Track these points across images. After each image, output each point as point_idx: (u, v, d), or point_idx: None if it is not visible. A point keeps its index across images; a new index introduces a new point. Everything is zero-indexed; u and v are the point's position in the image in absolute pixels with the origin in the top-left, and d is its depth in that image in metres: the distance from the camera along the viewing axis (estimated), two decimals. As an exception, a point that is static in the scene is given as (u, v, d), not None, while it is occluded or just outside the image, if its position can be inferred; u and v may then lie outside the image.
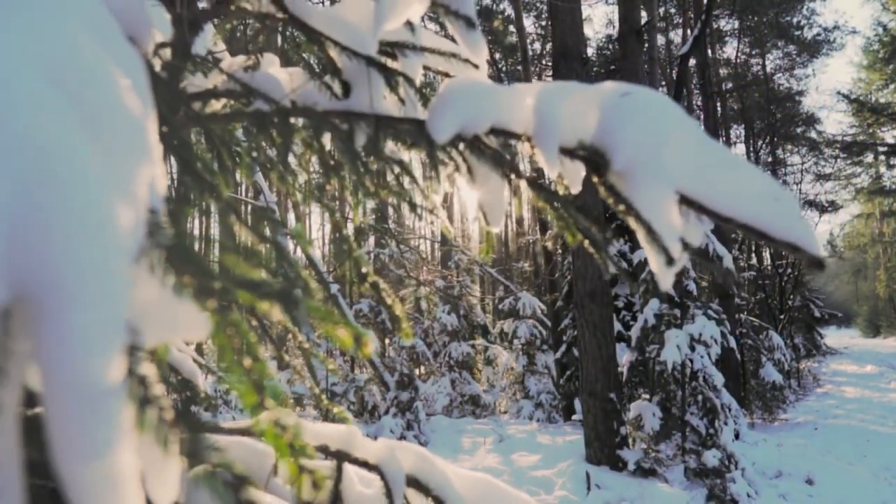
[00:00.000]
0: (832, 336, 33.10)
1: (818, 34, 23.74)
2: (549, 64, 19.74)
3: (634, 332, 8.02)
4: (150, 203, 0.39)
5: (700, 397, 7.35)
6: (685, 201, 0.67)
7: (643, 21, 10.82)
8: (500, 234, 0.82)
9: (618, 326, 9.80)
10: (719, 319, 7.65)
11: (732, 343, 8.15)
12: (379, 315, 12.57)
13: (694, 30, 12.07)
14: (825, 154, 25.94)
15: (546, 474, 7.04)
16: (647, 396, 8.04)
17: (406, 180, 0.96)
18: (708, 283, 7.89)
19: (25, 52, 0.32)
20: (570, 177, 0.73)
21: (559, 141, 0.70)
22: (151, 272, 0.40)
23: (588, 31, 24.17)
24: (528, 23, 20.72)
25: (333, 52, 0.80)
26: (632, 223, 0.67)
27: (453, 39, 0.92)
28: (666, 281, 0.66)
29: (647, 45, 12.68)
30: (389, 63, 0.94)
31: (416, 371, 14.20)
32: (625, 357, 8.14)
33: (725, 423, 7.20)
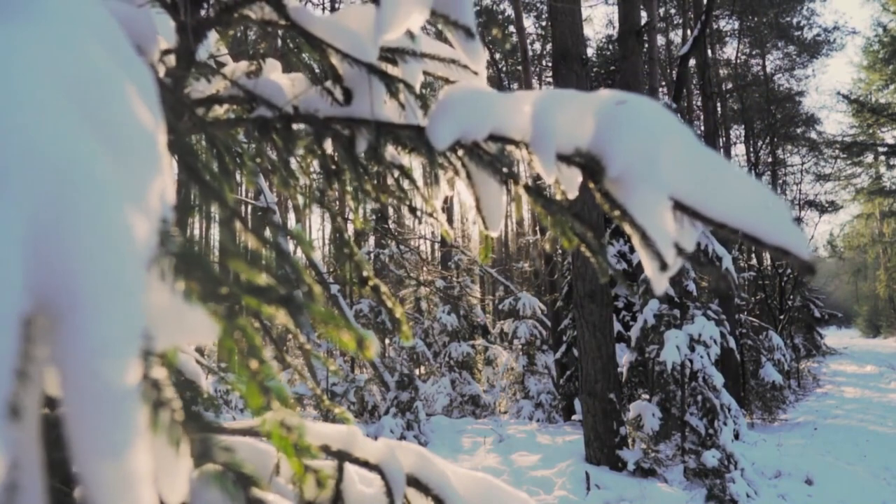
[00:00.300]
0: (832, 336, 33.12)
1: (818, 34, 23.77)
2: (550, 65, 19.77)
3: (634, 333, 8.04)
4: (161, 212, 0.40)
5: (699, 397, 7.37)
6: (679, 207, 0.69)
7: (643, 21, 10.84)
8: (500, 234, 0.84)
9: (617, 327, 9.82)
10: (719, 320, 7.66)
11: (732, 343, 8.17)
12: (379, 315, 12.59)
13: (694, 30, 12.09)
14: (825, 154, 25.97)
15: (546, 474, 7.06)
16: (647, 397, 8.06)
17: (406, 184, 0.98)
18: (707, 283, 7.90)
19: (44, 69, 0.33)
20: (567, 182, 0.74)
21: (556, 148, 0.72)
22: (162, 279, 0.41)
23: (588, 31, 24.21)
24: (529, 23, 20.74)
25: (335, 60, 0.82)
26: (627, 228, 0.69)
27: (451, 44, 0.93)
28: (660, 285, 0.68)
29: (647, 45, 12.70)
30: (390, 69, 0.95)
31: (417, 371, 14.22)
32: (624, 357, 8.16)
33: (725, 424, 7.22)
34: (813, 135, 25.14)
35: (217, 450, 0.37)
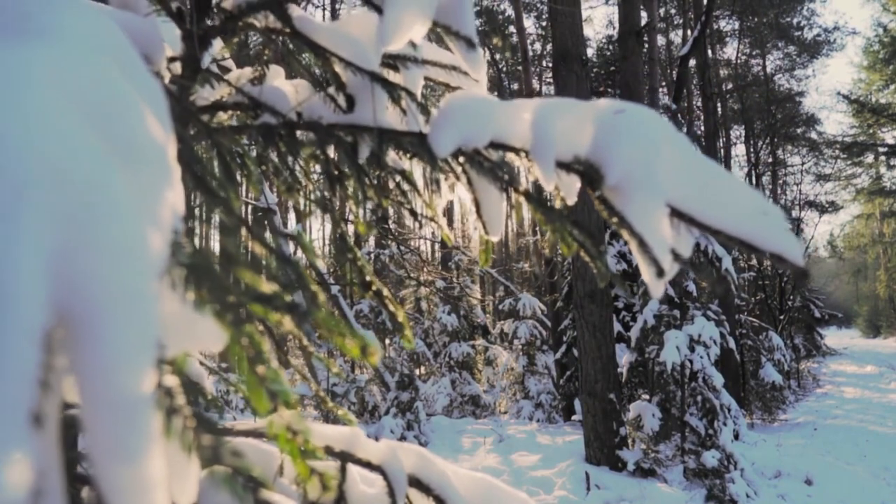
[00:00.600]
0: (832, 336, 33.12)
1: (818, 35, 23.77)
2: (550, 65, 19.77)
3: (634, 333, 8.05)
4: (172, 224, 0.42)
5: (699, 398, 7.38)
6: (676, 214, 0.70)
7: (643, 22, 10.85)
8: (500, 235, 0.85)
9: (617, 327, 9.83)
10: (718, 320, 7.68)
11: (732, 344, 8.18)
12: (379, 315, 12.60)
13: (694, 30, 12.11)
14: (825, 155, 25.98)
15: (546, 474, 7.07)
16: (647, 397, 8.07)
17: (407, 188, 0.99)
18: (707, 285, 7.91)
19: (61, 89, 0.35)
20: (566, 189, 0.76)
21: (556, 155, 0.73)
22: (173, 288, 0.43)
23: (588, 31, 24.21)
24: (529, 23, 20.75)
25: (338, 68, 0.83)
26: (625, 235, 0.70)
27: (451, 49, 0.94)
28: (657, 290, 0.69)
29: (647, 45, 12.71)
30: (392, 74, 0.97)
31: (417, 371, 14.23)
32: (624, 358, 8.17)
33: (725, 424, 7.23)
34: (813, 135, 25.16)
35: (227, 454, 0.38)
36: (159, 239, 0.36)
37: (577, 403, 11.02)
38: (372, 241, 15.01)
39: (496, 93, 21.57)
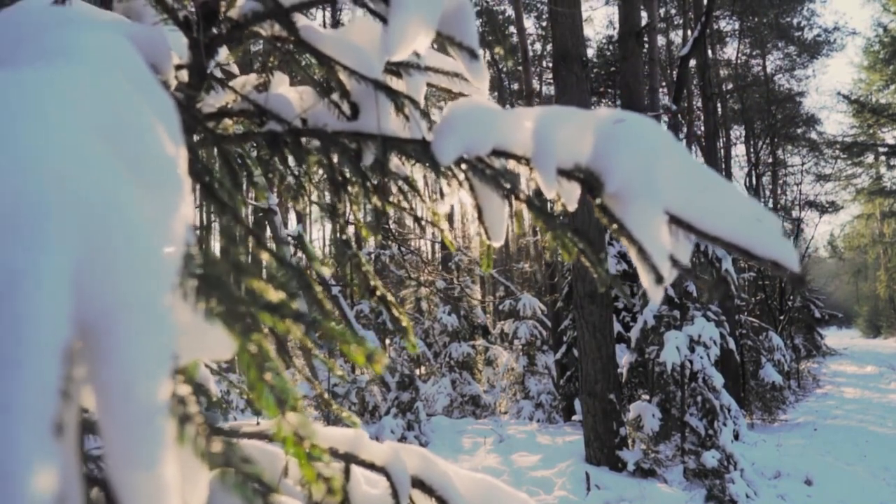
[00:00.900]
0: (833, 336, 33.13)
1: (818, 35, 23.79)
2: (550, 65, 19.77)
3: (634, 334, 8.07)
4: (185, 236, 0.43)
5: (699, 398, 7.39)
6: (674, 221, 0.72)
7: (643, 22, 10.86)
8: (502, 241, 0.86)
9: (617, 327, 9.85)
10: (718, 321, 7.69)
11: (732, 344, 8.19)
12: (379, 316, 12.62)
13: (694, 31, 12.11)
14: (825, 155, 26.00)
15: (546, 474, 7.09)
16: (647, 397, 8.09)
17: (409, 192, 1.00)
18: (709, 280, 7.91)
19: (81, 111, 0.36)
20: (567, 196, 0.77)
21: (557, 163, 0.74)
22: (185, 299, 0.44)
23: (589, 31, 24.20)
24: (529, 23, 20.76)
25: (343, 76, 0.85)
26: (624, 242, 0.71)
27: (453, 55, 0.96)
28: (656, 296, 0.70)
29: (647, 46, 12.72)
30: (395, 81, 0.98)
31: (417, 371, 14.24)
32: (624, 358, 8.19)
33: (725, 424, 7.24)
34: (813, 135, 25.18)
35: (238, 461, 0.39)
36: (173, 252, 0.38)
37: (577, 404, 11.04)
38: (372, 241, 15.01)
39: (496, 93, 21.57)
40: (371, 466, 0.93)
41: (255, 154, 1.04)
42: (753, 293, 17.59)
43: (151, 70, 0.59)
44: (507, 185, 0.74)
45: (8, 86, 0.37)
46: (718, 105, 18.88)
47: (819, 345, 20.49)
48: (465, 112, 0.79)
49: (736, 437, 7.81)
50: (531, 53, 17.94)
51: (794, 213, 23.82)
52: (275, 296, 0.52)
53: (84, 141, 0.35)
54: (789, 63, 24.55)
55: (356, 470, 0.99)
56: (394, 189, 0.98)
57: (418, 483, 0.97)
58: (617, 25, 13.90)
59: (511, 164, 0.82)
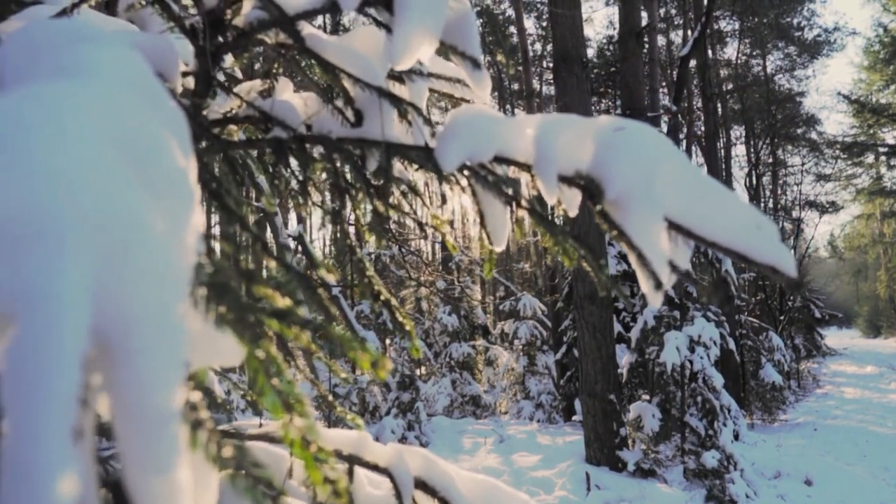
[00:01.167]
0: (833, 336, 33.13)
1: (818, 35, 23.80)
2: (550, 66, 19.77)
3: (634, 334, 8.08)
4: (196, 246, 0.44)
5: (699, 398, 7.40)
6: (674, 227, 0.73)
7: (644, 23, 10.87)
8: (504, 246, 0.88)
9: (618, 328, 9.86)
10: (718, 321, 7.70)
11: (732, 344, 8.20)
12: (380, 316, 12.63)
13: (694, 31, 12.12)
14: (826, 155, 26.01)
15: (546, 475, 7.10)
16: (647, 397, 8.10)
17: (412, 196, 1.01)
18: (708, 284, 7.94)
19: (98, 128, 0.37)
20: (568, 202, 0.78)
21: (558, 170, 0.75)
22: (195, 307, 0.45)
23: (589, 31, 24.20)
24: (529, 24, 20.77)
25: (347, 83, 0.86)
26: (624, 248, 0.72)
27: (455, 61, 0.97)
28: (656, 301, 0.71)
29: (647, 46, 12.73)
30: (397, 86, 0.99)
31: (417, 371, 14.25)
32: (624, 358, 8.20)
33: (725, 424, 7.26)
34: (813, 135, 25.19)
35: (249, 465, 0.40)
36: (185, 262, 0.39)
37: (577, 404, 11.05)
38: (373, 241, 14.99)
39: (496, 93, 21.56)
40: (375, 468, 0.94)
41: (255, 153, 1.06)
42: (753, 293, 17.60)
43: (159, 78, 0.60)
44: (510, 192, 0.75)
45: (26, 102, 0.38)
46: (718, 105, 18.89)
47: (819, 345, 20.50)
48: (468, 119, 0.80)
49: (736, 437, 7.82)
50: (531, 54, 17.95)
51: (795, 214, 23.84)
52: (282, 302, 0.53)
53: (100, 155, 0.36)
54: (789, 63, 24.56)
55: (359, 471, 1.00)
56: (396, 193, 0.99)
57: (421, 484, 0.98)
58: (617, 26, 13.92)
59: (512, 171, 0.83)
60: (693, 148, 18.21)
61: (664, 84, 19.38)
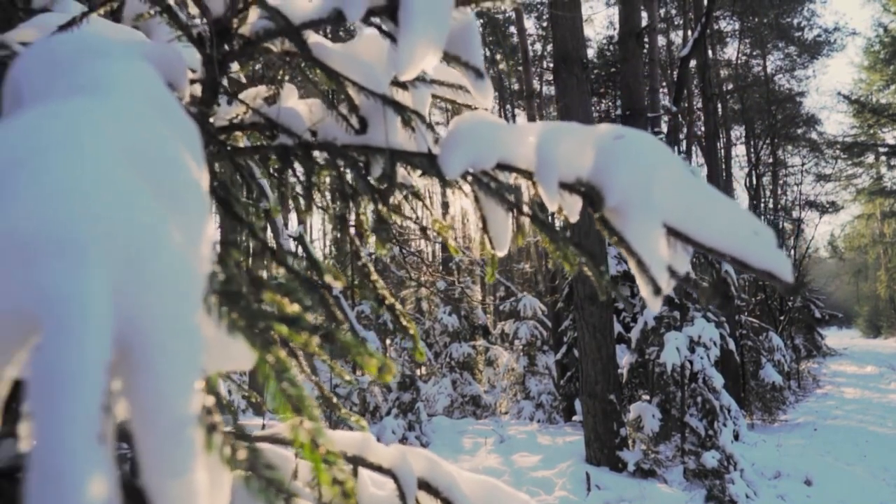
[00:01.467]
0: (833, 336, 33.13)
1: (818, 35, 23.81)
2: (550, 66, 19.77)
3: (634, 334, 8.09)
4: (210, 255, 0.45)
5: (699, 399, 7.42)
6: (672, 233, 0.74)
7: (644, 23, 10.88)
8: (506, 251, 0.89)
9: (618, 328, 9.87)
10: (718, 321, 7.72)
11: (732, 345, 8.21)
12: (380, 316, 12.65)
13: (694, 31, 12.13)
14: (826, 155, 26.02)
15: (546, 475, 7.11)
16: (647, 398, 8.11)
17: (414, 201, 1.03)
18: (708, 284, 7.95)
19: (115, 144, 0.38)
20: (569, 208, 0.80)
21: (559, 177, 0.77)
22: (208, 314, 0.47)
23: (589, 31, 24.18)
24: (530, 24, 20.78)
25: (352, 91, 0.87)
26: (624, 253, 0.74)
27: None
28: (655, 306, 0.73)
29: (647, 47, 12.74)
30: (400, 93, 1.01)
31: (418, 372, 14.27)
32: (625, 358, 8.21)
33: (724, 425, 7.27)
34: (814, 135, 25.20)
35: (262, 467, 0.42)
36: (200, 272, 0.40)
37: (577, 404, 11.06)
38: (373, 241, 14.99)
39: (496, 93, 21.56)
40: (379, 469, 0.95)
41: (256, 156, 1.07)
42: (753, 293, 17.61)
43: (169, 88, 0.61)
44: (512, 199, 0.77)
45: (47, 120, 0.40)
46: (719, 105, 18.90)
47: (819, 345, 20.51)
48: (471, 127, 0.81)
49: (736, 437, 7.84)
50: (531, 54, 17.96)
51: (795, 214, 23.85)
52: (291, 308, 0.55)
53: (118, 170, 0.38)
54: (789, 63, 24.57)
55: (363, 472, 1.01)
56: (399, 197, 1.00)
57: (424, 485, 0.99)
58: (617, 26, 13.93)
59: (514, 177, 0.85)
60: (693, 148, 18.22)
61: (664, 84, 19.39)
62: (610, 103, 22.02)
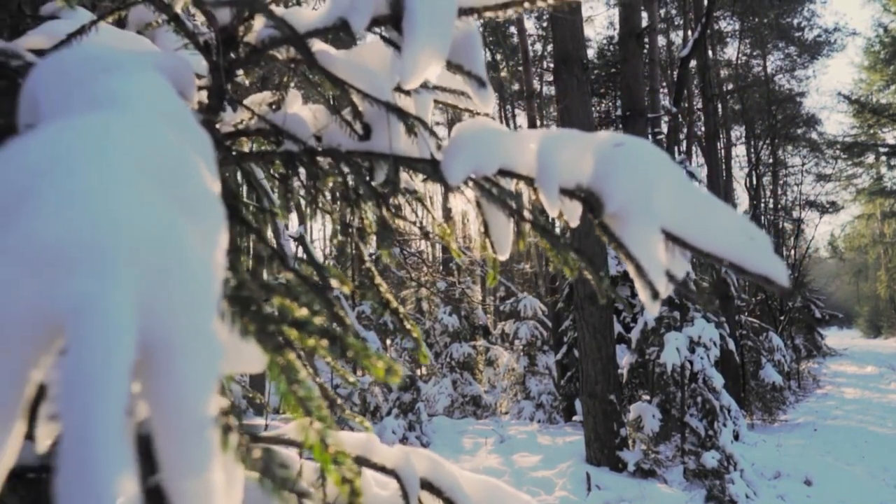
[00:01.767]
0: (833, 336, 33.14)
1: (819, 35, 23.81)
2: (551, 66, 19.78)
3: (634, 334, 8.11)
4: (224, 262, 0.47)
5: (699, 399, 7.43)
6: (671, 238, 0.76)
7: (644, 24, 10.90)
8: (507, 255, 0.91)
9: (618, 328, 9.89)
10: (718, 322, 7.74)
11: (732, 345, 8.23)
12: (381, 317, 12.66)
13: (694, 32, 12.15)
14: (826, 155, 26.03)
15: (546, 475, 7.13)
16: (647, 398, 8.13)
17: (417, 205, 1.05)
18: (708, 284, 7.97)
19: (135, 157, 0.40)
20: (569, 214, 0.81)
21: (559, 183, 0.79)
22: (221, 318, 0.48)
23: (589, 31, 24.18)
24: (530, 24, 20.79)
25: (356, 98, 0.89)
26: (623, 258, 0.76)
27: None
28: (653, 310, 0.75)
29: (647, 47, 12.76)
30: (403, 98, 1.02)
31: (418, 372, 14.29)
32: (625, 359, 8.23)
33: (724, 425, 7.29)
34: (814, 135, 25.21)
35: (276, 467, 0.44)
36: (217, 279, 0.42)
37: (577, 404, 11.08)
38: (373, 241, 15.02)
39: (496, 94, 21.58)
40: (382, 469, 0.97)
41: (261, 161, 1.09)
42: (753, 294, 17.62)
43: (179, 97, 0.63)
44: (513, 204, 0.79)
45: (69, 132, 0.41)
46: (719, 105, 18.91)
47: (819, 345, 20.53)
48: (473, 133, 0.83)
49: (736, 437, 7.85)
50: (532, 54, 17.98)
51: (795, 214, 23.86)
52: (299, 312, 0.57)
53: (140, 180, 0.39)
54: (790, 63, 24.58)
55: (366, 472, 1.03)
56: (402, 201, 1.02)
57: (427, 485, 1.01)
58: (617, 27, 13.95)
59: (515, 183, 0.86)
60: (693, 148, 18.25)
61: (664, 85, 19.40)
62: (610, 104, 22.04)
